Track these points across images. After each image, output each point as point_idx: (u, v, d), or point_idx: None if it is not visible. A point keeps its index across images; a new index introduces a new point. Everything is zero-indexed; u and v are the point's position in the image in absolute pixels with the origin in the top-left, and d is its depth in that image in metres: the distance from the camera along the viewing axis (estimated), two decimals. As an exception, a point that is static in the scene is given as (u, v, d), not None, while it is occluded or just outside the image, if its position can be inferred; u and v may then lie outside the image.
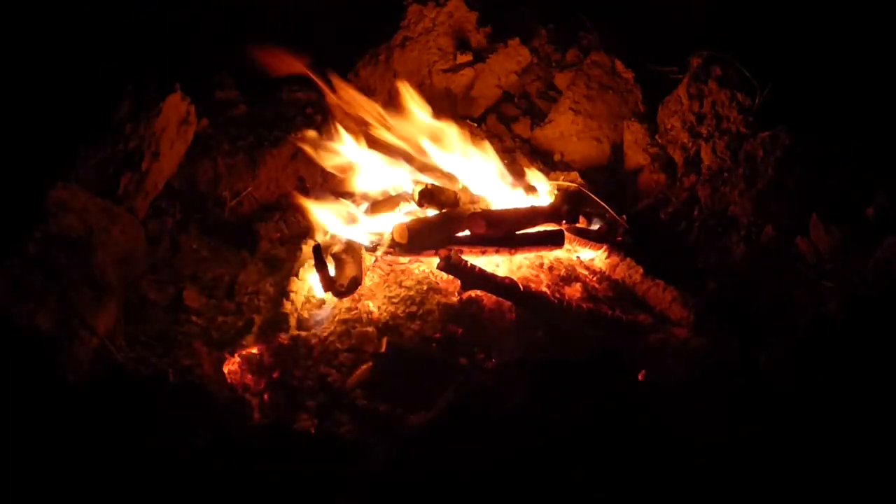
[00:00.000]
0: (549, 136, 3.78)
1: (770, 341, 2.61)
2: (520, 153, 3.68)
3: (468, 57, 3.83)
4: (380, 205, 3.08)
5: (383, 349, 2.51)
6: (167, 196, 3.20)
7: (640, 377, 2.44)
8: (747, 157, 3.22)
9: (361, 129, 3.24)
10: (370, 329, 2.61)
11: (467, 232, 2.88)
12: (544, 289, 2.80)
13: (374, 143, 3.24)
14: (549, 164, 3.67)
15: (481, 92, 3.89)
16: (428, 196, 2.94)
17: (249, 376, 2.54)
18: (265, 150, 3.39)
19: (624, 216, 3.26)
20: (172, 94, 3.06)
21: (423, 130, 3.27)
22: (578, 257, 3.05)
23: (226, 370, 2.56)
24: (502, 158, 3.34)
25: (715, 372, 2.48)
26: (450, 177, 3.18)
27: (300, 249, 2.97)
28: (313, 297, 2.81)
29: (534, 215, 3.03)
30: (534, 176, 3.28)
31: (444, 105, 3.74)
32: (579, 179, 3.45)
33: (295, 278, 2.88)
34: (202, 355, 2.66)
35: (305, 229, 3.09)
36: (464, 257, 2.74)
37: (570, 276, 2.92)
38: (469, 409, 2.24)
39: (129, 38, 3.29)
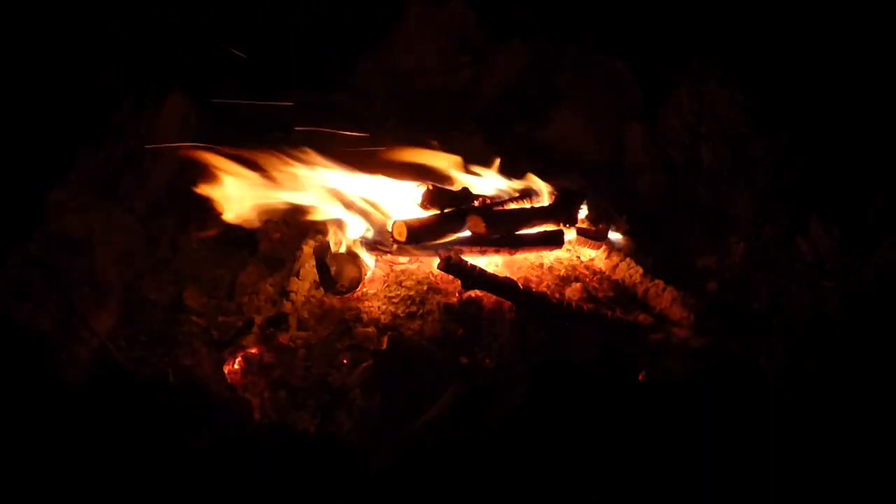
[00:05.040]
0: (549, 136, 3.77)
1: (770, 341, 2.62)
2: (519, 153, 3.67)
3: (468, 57, 3.83)
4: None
5: (384, 347, 2.51)
6: (167, 196, 3.19)
7: (640, 377, 2.44)
8: (747, 157, 3.22)
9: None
10: (370, 329, 2.61)
11: (467, 232, 2.88)
12: (544, 289, 2.80)
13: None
14: (549, 165, 3.66)
15: (481, 92, 3.89)
16: (430, 196, 2.94)
17: (249, 376, 2.54)
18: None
19: (624, 216, 3.26)
20: (172, 95, 3.06)
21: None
22: (578, 257, 3.05)
23: (226, 370, 2.56)
24: (502, 159, 3.34)
25: (715, 372, 2.48)
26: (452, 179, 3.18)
27: (300, 249, 2.97)
28: (313, 296, 2.81)
29: (534, 215, 3.03)
30: (533, 176, 3.28)
31: (444, 105, 3.74)
32: (579, 180, 3.45)
33: (295, 278, 2.88)
34: (202, 355, 2.66)
35: (305, 229, 3.09)
36: (464, 257, 2.74)
37: (570, 276, 2.92)
38: (469, 409, 2.24)
39: (129, 38, 3.29)
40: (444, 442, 2.16)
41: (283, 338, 2.63)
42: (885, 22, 3.20)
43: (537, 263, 2.94)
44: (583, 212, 3.14)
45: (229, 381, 2.53)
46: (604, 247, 3.06)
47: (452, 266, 2.66)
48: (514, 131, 3.85)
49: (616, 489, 2.03)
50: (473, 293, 2.69)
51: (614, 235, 3.16)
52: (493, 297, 2.70)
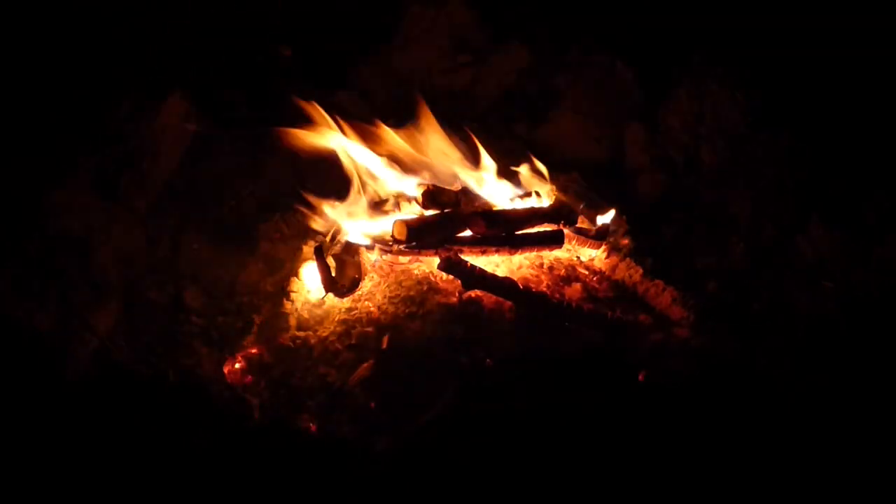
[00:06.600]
0: (549, 136, 3.77)
1: (770, 341, 2.62)
2: (520, 153, 3.67)
3: (468, 57, 3.83)
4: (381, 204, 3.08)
5: (384, 347, 2.51)
6: (167, 196, 3.19)
7: (640, 377, 2.44)
8: (747, 157, 3.22)
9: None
10: (370, 329, 2.61)
11: (468, 232, 2.88)
12: (544, 289, 2.80)
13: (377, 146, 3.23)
14: (549, 165, 3.66)
15: (481, 92, 3.89)
16: (430, 196, 2.94)
17: (249, 376, 2.55)
18: (265, 151, 3.38)
19: (624, 216, 3.25)
20: (172, 95, 3.07)
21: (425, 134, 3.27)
22: (578, 257, 3.05)
23: (226, 370, 2.56)
24: (502, 159, 3.34)
25: (715, 372, 2.48)
26: (451, 178, 3.18)
27: (300, 249, 2.97)
28: (313, 296, 2.81)
29: (534, 215, 3.03)
30: (533, 176, 3.28)
31: (445, 106, 3.74)
32: (579, 179, 3.45)
33: (295, 278, 2.88)
34: (202, 355, 2.67)
35: (305, 229, 3.09)
36: (464, 257, 2.74)
37: (570, 276, 2.92)
38: (469, 409, 2.24)
39: (130, 38, 3.29)
40: (444, 442, 2.16)
41: (283, 338, 2.64)
42: (886, 22, 3.20)
43: (537, 263, 2.94)
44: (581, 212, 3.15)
45: (229, 381, 2.54)
46: (604, 247, 3.06)
47: (452, 266, 2.66)
48: (514, 131, 3.85)
49: (616, 489, 2.03)
50: (473, 293, 2.69)
51: (612, 233, 3.16)
52: (493, 297, 2.70)
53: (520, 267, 2.90)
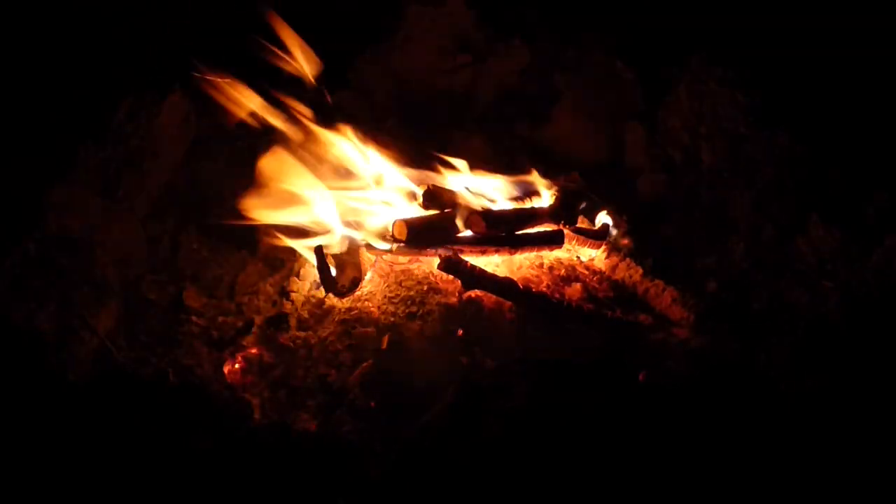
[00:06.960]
0: (549, 136, 3.77)
1: (770, 341, 2.62)
2: (520, 153, 3.67)
3: (468, 57, 3.82)
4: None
5: (384, 347, 2.51)
6: (167, 196, 3.19)
7: (640, 377, 2.44)
8: (747, 157, 3.22)
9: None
10: (370, 329, 2.61)
11: (468, 232, 2.88)
12: (544, 289, 2.80)
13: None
14: (549, 164, 3.66)
15: (481, 92, 3.88)
16: (430, 196, 2.94)
17: (249, 376, 2.55)
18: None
19: (624, 216, 3.25)
20: (172, 95, 3.07)
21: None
22: (578, 257, 3.05)
23: (226, 370, 2.56)
24: (502, 159, 3.34)
25: (715, 372, 2.49)
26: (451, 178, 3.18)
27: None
28: (313, 296, 2.81)
29: (534, 215, 3.03)
30: (533, 176, 3.28)
31: (445, 106, 3.74)
32: (579, 179, 3.45)
33: (295, 278, 2.88)
34: (202, 355, 2.67)
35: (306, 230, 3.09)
36: (464, 257, 2.74)
37: (570, 277, 2.92)
38: (469, 410, 2.24)
39: (130, 38, 3.29)
40: (444, 442, 2.16)
41: (283, 338, 2.64)
42: (886, 22, 3.20)
43: (537, 263, 2.94)
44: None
45: (229, 381, 2.54)
46: (604, 247, 3.06)
47: (452, 266, 2.66)
48: (514, 131, 3.85)
49: (616, 490, 2.03)
50: (473, 293, 2.69)
51: (614, 235, 3.16)
52: (493, 297, 2.70)
53: (520, 267, 2.90)
